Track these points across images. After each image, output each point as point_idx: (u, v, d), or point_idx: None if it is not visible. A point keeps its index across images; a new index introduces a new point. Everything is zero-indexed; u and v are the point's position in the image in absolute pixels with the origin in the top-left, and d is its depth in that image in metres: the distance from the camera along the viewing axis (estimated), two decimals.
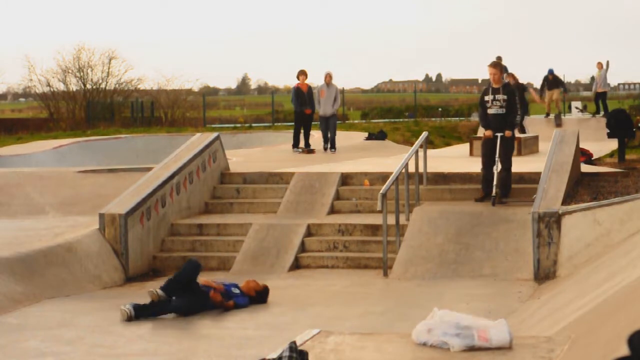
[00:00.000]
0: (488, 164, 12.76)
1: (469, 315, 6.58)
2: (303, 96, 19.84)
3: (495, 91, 12.96)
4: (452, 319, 6.47)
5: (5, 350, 8.12)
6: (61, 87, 46.21)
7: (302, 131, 20.22)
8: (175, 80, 53.41)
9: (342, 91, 52.47)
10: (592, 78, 31.53)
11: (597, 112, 30.14)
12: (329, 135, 20.23)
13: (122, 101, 46.06)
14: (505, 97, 12.88)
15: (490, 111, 12.87)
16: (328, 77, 19.93)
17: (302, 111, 19.91)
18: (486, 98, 12.99)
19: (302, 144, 20.23)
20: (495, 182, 12.59)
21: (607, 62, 29.96)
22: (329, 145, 20.25)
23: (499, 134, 12.71)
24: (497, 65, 13.13)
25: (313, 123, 21.10)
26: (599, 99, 29.89)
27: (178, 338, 8.50)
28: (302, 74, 19.95)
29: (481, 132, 13.59)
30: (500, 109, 12.81)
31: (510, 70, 23.64)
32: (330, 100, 19.76)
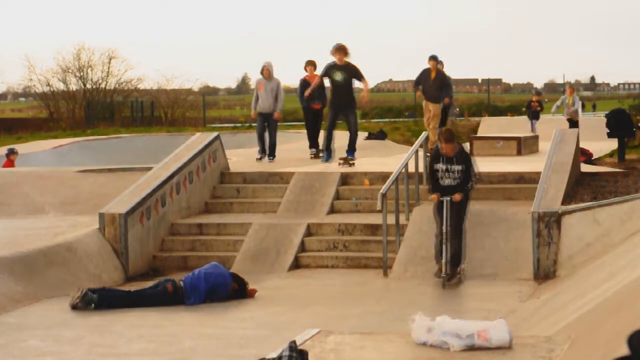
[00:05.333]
0: (439, 231, 11.00)
1: (468, 321, 6.58)
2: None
3: (449, 161, 10.89)
4: (453, 322, 6.47)
5: (5, 350, 8.11)
6: (61, 86, 46.28)
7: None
8: (175, 80, 53.55)
9: None
10: (562, 102, 25.22)
11: None
12: (266, 138, 17.35)
13: (122, 101, 46.09)
14: (460, 167, 10.85)
15: (442, 182, 10.92)
16: (266, 71, 17.13)
17: (309, 106, 17.72)
18: (436, 166, 10.91)
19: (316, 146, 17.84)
20: (443, 260, 10.79)
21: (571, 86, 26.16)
22: (267, 153, 17.27)
23: (446, 198, 10.85)
24: (452, 139, 10.88)
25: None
26: (573, 127, 23.12)
27: (178, 338, 8.50)
28: (310, 64, 17.77)
29: (483, 130, 13.24)
30: (455, 181, 10.87)
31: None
32: (270, 96, 17.08)
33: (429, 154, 16.65)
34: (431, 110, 18.16)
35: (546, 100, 27.78)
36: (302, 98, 17.48)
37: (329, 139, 15.88)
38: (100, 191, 14.51)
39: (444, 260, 10.72)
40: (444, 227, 10.79)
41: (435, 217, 11.06)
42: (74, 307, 9.84)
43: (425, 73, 18.28)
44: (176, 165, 13.88)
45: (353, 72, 15.46)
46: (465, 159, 10.91)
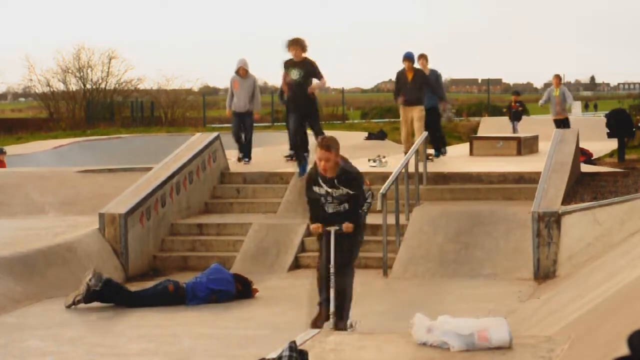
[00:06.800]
0: (325, 269, 8.33)
1: (468, 319, 6.58)
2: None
3: (329, 182, 8.22)
4: (452, 322, 6.48)
5: (5, 350, 8.11)
6: (61, 87, 46.41)
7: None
8: (175, 80, 53.63)
9: (342, 91, 52.27)
10: (549, 97, 21.82)
11: None
12: (242, 139, 16.61)
13: (122, 101, 46.18)
14: (343, 191, 8.20)
15: (326, 209, 8.33)
16: (242, 70, 16.55)
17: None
18: (315, 189, 8.36)
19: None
20: (332, 309, 8.21)
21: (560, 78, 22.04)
22: (242, 155, 16.59)
23: (333, 228, 8.21)
24: (332, 147, 8.15)
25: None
26: (561, 126, 19.91)
27: (178, 338, 8.50)
28: None
29: (483, 130, 12.71)
30: (340, 206, 8.26)
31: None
32: (245, 94, 16.43)
33: (429, 158, 15.38)
34: (414, 116, 15.94)
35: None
36: (283, 99, 16.35)
37: (301, 145, 14.03)
38: (100, 191, 14.51)
39: (331, 310, 8.17)
40: (330, 267, 8.18)
41: (320, 248, 8.48)
42: (76, 302, 9.82)
43: (401, 75, 16.16)
44: (176, 165, 13.88)
45: (311, 70, 13.71)
46: (351, 181, 8.24)
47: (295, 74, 13.61)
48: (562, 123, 20.94)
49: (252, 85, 16.60)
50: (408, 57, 16.04)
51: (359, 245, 8.62)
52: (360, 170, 8.55)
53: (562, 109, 21.42)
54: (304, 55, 13.71)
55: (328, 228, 8.23)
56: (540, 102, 22.17)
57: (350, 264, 8.45)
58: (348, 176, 8.26)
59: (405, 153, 15.41)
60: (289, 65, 13.77)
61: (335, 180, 8.21)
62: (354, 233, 8.32)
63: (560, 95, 21.32)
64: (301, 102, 13.70)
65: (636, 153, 21.36)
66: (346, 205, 8.26)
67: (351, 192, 8.23)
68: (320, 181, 8.28)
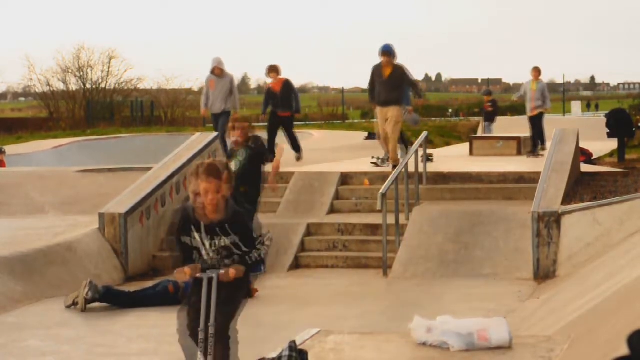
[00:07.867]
0: (192, 331, 6.19)
1: (468, 319, 6.59)
2: (275, 97, 16.07)
3: (210, 229, 5.70)
4: (452, 323, 6.48)
5: (5, 350, 8.11)
6: (61, 86, 46.50)
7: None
8: (175, 80, 53.72)
9: (342, 91, 52.30)
10: (524, 91, 19.07)
11: (534, 149, 18.31)
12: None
13: (122, 101, 46.25)
14: (234, 239, 5.73)
15: (203, 262, 5.83)
16: (218, 70, 16.21)
17: (275, 113, 16.11)
18: (186, 240, 5.89)
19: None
20: None
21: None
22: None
23: (209, 274, 5.73)
24: (221, 174, 5.58)
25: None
26: (536, 125, 18.62)
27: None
28: (272, 70, 16.16)
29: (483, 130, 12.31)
30: (224, 260, 5.78)
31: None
32: (222, 94, 16.11)
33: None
34: (389, 117, 14.20)
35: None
36: (265, 106, 16.16)
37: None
38: (100, 191, 14.51)
39: None
40: (210, 326, 5.93)
41: (188, 308, 6.17)
42: (76, 303, 9.83)
43: (375, 71, 14.41)
44: (176, 165, 13.87)
45: (258, 154, 10.50)
46: (240, 226, 5.77)
47: (241, 156, 10.39)
48: (537, 120, 18.60)
49: (228, 84, 16.23)
50: (385, 52, 14.25)
51: (243, 301, 6.05)
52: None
53: (537, 106, 18.59)
54: (251, 133, 10.49)
55: (201, 274, 5.78)
56: (515, 96, 19.65)
57: (228, 324, 6.04)
58: (238, 218, 5.74)
59: (386, 154, 14.91)
60: (233, 152, 10.56)
61: (225, 226, 5.67)
62: (239, 283, 5.84)
63: (538, 90, 18.58)
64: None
65: (636, 153, 21.36)
66: (235, 258, 5.79)
67: (239, 241, 5.77)
68: (201, 227, 5.71)
